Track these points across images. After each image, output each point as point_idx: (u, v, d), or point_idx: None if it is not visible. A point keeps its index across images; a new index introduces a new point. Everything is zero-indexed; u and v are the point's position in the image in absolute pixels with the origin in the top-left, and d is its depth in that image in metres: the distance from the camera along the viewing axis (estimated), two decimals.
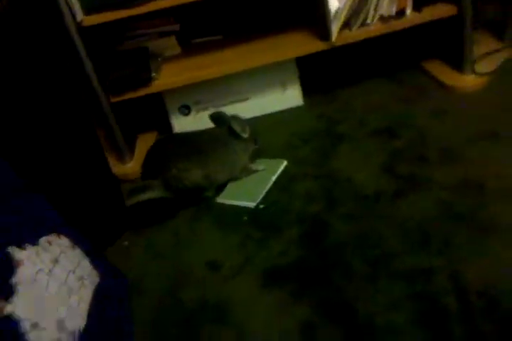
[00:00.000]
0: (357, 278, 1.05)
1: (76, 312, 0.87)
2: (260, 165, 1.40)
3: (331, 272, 1.08)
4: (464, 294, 0.97)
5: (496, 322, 0.91)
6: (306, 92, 1.61)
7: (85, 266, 0.98)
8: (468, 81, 1.52)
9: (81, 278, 0.95)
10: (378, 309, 0.98)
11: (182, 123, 1.59)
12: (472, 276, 1.00)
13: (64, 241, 0.95)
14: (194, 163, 1.30)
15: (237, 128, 1.34)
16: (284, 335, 0.97)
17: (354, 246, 1.12)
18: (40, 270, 0.85)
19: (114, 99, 1.42)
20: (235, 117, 1.37)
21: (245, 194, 1.33)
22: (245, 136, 1.35)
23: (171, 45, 1.57)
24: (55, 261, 0.90)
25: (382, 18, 1.44)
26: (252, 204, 1.29)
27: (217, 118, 1.39)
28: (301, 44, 1.47)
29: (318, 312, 1.00)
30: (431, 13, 1.44)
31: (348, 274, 1.06)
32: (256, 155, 1.41)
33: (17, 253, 0.82)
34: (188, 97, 1.57)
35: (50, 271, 0.88)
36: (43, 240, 0.90)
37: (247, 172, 1.38)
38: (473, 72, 1.52)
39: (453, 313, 0.94)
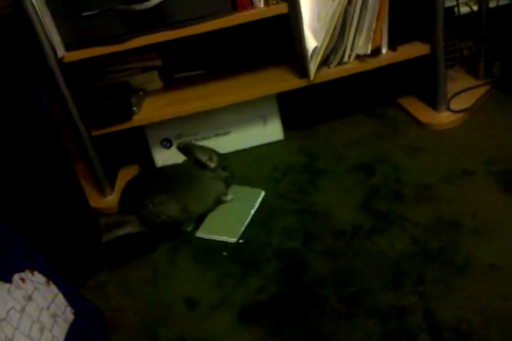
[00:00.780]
0: (333, 316, 1.06)
1: None
2: (231, 195, 1.42)
3: (307, 309, 1.08)
4: (438, 330, 0.98)
5: None
6: (286, 127, 1.65)
7: (60, 302, 0.97)
8: (443, 118, 1.56)
9: (55, 316, 0.94)
10: None
11: (164, 157, 1.61)
12: (445, 313, 1.01)
13: (38, 277, 0.95)
14: (170, 196, 1.31)
15: (202, 158, 1.36)
16: None
17: (331, 283, 1.13)
18: (12, 308, 0.85)
19: (94, 133, 1.44)
20: (200, 147, 1.39)
21: (225, 228, 1.34)
22: (212, 165, 1.37)
23: (152, 80, 1.60)
24: (28, 298, 0.89)
25: (359, 57, 1.50)
26: (232, 240, 1.29)
27: (184, 149, 1.41)
28: (281, 81, 1.51)
29: None
30: (405, 52, 1.50)
31: (325, 311, 1.07)
32: (229, 182, 1.43)
33: None
34: (169, 131, 1.59)
35: (22, 308, 0.87)
36: (15, 277, 0.89)
37: (220, 202, 1.40)
38: (448, 109, 1.57)
39: None
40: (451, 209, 1.25)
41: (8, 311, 0.84)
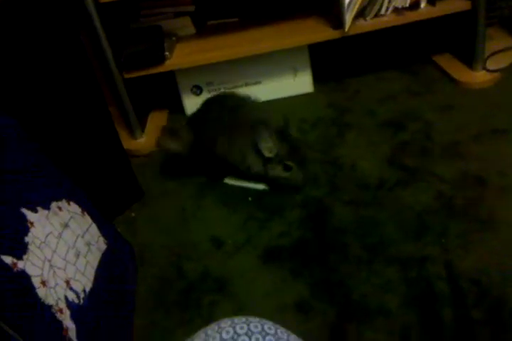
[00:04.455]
0: (353, 261, 1.08)
1: (83, 275, 0.91)
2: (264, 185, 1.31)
3: (329, 254, 1.11)
4: (457, 281, 1.00)
5: (485, 308, 0.94)
6: (317, 80, 1.63)
7: (93, 232, 1.02)
8: (478, 77, 1.53)
9: (89, 244, 0.98)
10: (372, 290, 1.01)
11: (193, 103, 1.61)
12: (466, 265, 1.03)
13: (74, 207, 0.99)
14: (217, 134, 1.28)
15: (261, 143, 1.21)
16: (281, 309, 1.00)
17: (353, 231, 1.15)
18: (50, 233, 0.89)
19: (127, 76, 1.45)
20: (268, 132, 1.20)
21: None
22: (268, 154, 1.22)
23: (185, 26, 1.59)
24: (65, 225, 0.93)
25: (396, 10, 1.46)
26: (261, 187, 1.31)
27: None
28: (315, 31, 1.49)
29: (315, 289, 1.04)
30: (445, 7, 1.45)
31: (346, 257, 1.10)
32: (278, 182, 1.28)
33: (29, 215, 0.86)
34: (200, 78, 1.59)
35: (59, 234, 0.91)
36: (53, 205, 0.93)
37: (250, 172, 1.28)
38: (484, 68, 1.54)
39: (444, 298, 0.97)
40: (479, 167, 1.25)
41: (47, 235, 0.88)
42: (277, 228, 1.19)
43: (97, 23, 1.35)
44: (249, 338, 0.53)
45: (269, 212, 1.24)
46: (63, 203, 0.96)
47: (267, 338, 0.54)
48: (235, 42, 1.52)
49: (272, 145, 1.21)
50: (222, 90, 1.61)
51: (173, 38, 1.56)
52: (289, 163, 1.22)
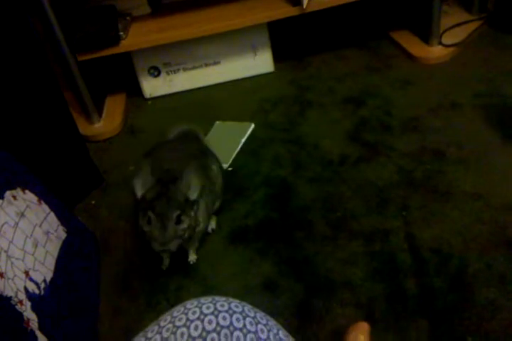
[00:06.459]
0: (318, 237, 1.09)
1: (43, 264, 0.89)
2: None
3: (294, 232, 1.12)
4: (418, 251, 1.03)
5: (447, 277, 0.97)
6: (277, 59, 1.62)
7: (52, 221, 0.99)
8: (434, 52, 1.55)
9: (47, 233, 0.96)
10: (337, 265, 1.03)
11: (151, 85, 1.58)
12: (427, 236, 1.06)
13: (29, 196, 0.95)
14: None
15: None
16: (249, 289, 1.01)
17: (317, 208, 1.16)
18: (5, 223, 0.86)
19: (80, 58, 1.40)
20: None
21: None
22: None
23: (140, 4, 1.54)
24: (21, 214, 0.90)
25: None
26: (223, 166, 1.30)
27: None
28: (273, 8, 1.47)
29: (281, 268, 1.04)
30: None
31: (310, 234, 1.11)
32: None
33: None
34: (157, 59, 1.55)
35: (15, 224, 0.88)
36: (7, 194, 0.89)
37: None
38: (440, 43, 1.56)
39: (407, 269, 1.00)
40: (437, 140, 1.27)
41: (2, 225, 0.85)
42: (242, 208, 1.19)
43: (47, 5, 1.29)
44: (216, 317, 0.52)
45: (233, 192, 1.24)
46: (18, 192, 0.93)
47: (234, 316, 0.53)
48: (192, 21, 1.49)
49: (140, 186, 0.96)
50: (181, 70, 1.57)
51: (128, 18, 1.51)
52: (150, 213, 0.92)
